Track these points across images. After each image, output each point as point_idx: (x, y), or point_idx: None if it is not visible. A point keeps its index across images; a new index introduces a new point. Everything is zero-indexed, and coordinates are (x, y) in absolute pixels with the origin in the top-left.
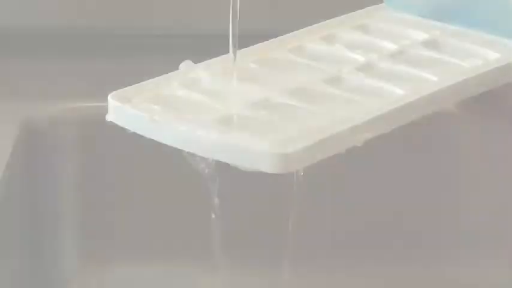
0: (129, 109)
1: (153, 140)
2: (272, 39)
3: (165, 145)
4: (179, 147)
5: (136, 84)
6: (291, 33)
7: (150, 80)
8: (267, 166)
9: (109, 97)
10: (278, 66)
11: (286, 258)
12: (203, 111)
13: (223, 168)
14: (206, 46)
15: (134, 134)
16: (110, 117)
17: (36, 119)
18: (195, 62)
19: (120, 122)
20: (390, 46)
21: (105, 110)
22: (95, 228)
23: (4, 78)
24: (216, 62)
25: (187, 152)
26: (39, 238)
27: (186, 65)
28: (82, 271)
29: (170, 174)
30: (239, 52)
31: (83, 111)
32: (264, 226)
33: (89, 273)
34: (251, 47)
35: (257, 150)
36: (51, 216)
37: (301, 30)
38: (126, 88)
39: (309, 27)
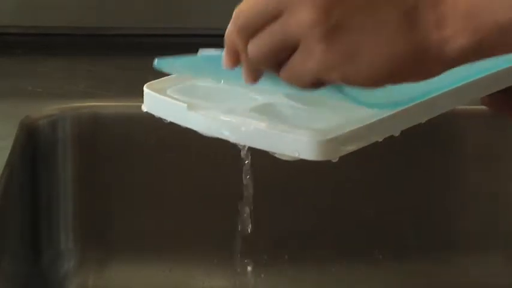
0: (166, 99)
1: (151, 140)
2: None
3: (165, 144)
4: (218, 136)
5: (170, 76)
6: None
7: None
8: (307, 153)
9: (145, 87)
10: None
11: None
12: (239, 101)
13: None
14: (206, 45)
15: (133, 133)
16: (145, 108)
17: (36, 119)
18: None
19: (156, 112)
20: None
21: (103, 110)
22: (94, 228)
23: (4, 78)
24: None
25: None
26: (38, 237)
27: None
28: (81, 271)
29: (170, 173)
30: None
31: (82, 111)
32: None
33: (88, 273)
34: None
35: (297, 137)
36: (50, 215)
37: None
38: (160, 79)
39: None
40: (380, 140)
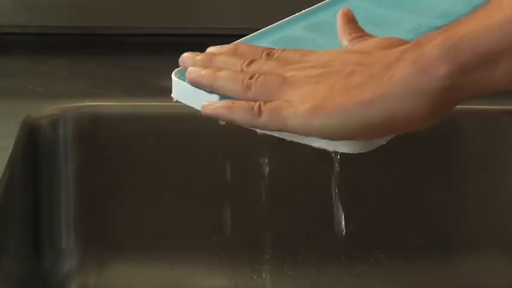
0: (197, 90)
1: (151, 140)
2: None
3: (165, 144)
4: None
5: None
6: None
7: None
8: (346, 147)
9: (173, 75)
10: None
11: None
12: None
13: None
14: (206, 45)
15: (133, 133)
16: (174, 96)
17: (37, 118)
18: None
19: (186, 101)
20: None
21: (105, 109)
22: (94, 227)
23: (4, 78)
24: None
25: None
26: (39, 237)
27: None
28: (82, 271)
29: (170, 172)
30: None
31: (83, 111)
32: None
33: (89, 273)
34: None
35: None
36: (51, 215)
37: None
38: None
39: None
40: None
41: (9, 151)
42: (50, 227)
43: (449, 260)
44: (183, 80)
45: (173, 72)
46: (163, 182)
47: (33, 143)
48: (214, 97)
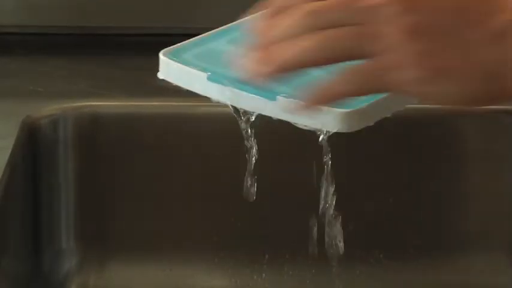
0: (184, 67)
1: (151, 140)
2: None
3: (165, 144)
4: (237, 105)
5: (186, 41)
6: None
7: (199, 36)
8: (331, 124)
9: (160, 54)
10: None
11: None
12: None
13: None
14: None
15: (133, 133)
16: (161, 75)
17: (37, 118)
18: None
19: (173, 80)
20: None
21: (104, 109)
22: (94, 228)
23: (4, 78)
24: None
25: (233, 109)
26: (39, 237)
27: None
28: (82, 270)
29: (170, 172)
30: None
31: (83, 111)
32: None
33: (89, 273)
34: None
35: (322, 108)
36: (51, 215)
37: None
38: (175, 45)
39: None
40: (402, 109)
41: (9, 151)
42: (50, 227)
43: (449, 260)
44: (171, 59)
45: (161, 51)
46: (163, 182)
47: (33, 143)
48: (203, 76)
